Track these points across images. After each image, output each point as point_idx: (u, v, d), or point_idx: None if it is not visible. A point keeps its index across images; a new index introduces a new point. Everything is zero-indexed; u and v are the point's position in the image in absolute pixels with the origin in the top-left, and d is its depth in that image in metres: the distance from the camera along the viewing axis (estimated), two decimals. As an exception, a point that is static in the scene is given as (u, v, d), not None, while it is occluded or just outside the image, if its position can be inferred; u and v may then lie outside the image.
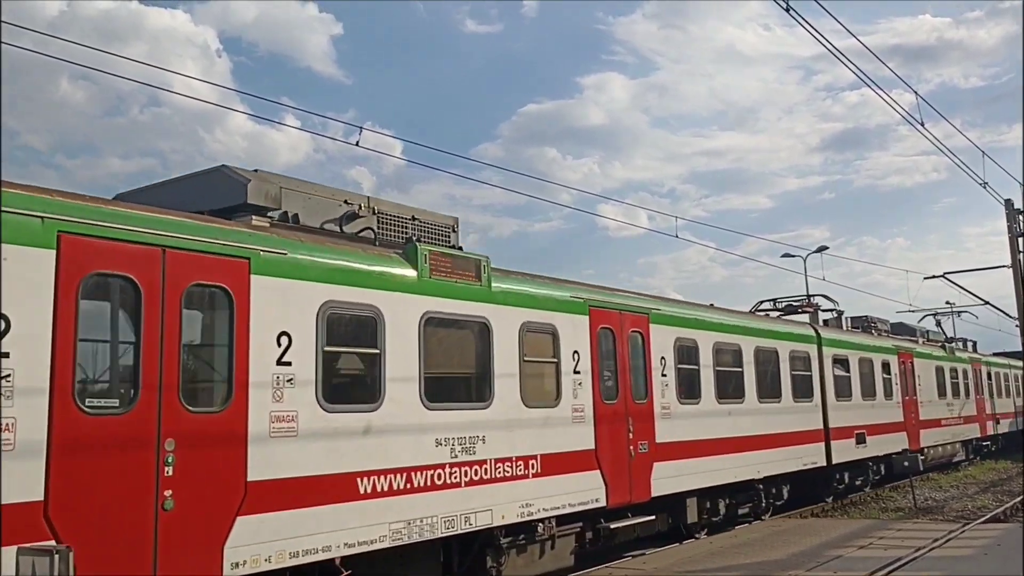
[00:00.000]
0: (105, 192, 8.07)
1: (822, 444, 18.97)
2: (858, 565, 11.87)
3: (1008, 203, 21.96)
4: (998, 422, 34.97)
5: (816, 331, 20.18)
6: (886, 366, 23.13)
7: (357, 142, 11.46)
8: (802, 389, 18.44)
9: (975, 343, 36.47)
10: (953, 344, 31.60)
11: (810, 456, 18.37)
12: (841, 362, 20.57)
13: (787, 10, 11.11)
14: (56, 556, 5.72)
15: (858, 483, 21.87)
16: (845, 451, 19.89)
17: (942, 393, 27.90)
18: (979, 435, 32.16)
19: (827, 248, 40.54)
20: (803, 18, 11.35)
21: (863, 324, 25.34)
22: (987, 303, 33.09)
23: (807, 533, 15.21)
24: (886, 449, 22.29)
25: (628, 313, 13.39)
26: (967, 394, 30.77)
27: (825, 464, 19.03)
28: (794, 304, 22.55)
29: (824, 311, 23.04)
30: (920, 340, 28.19)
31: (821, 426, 19.09)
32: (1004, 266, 26.74)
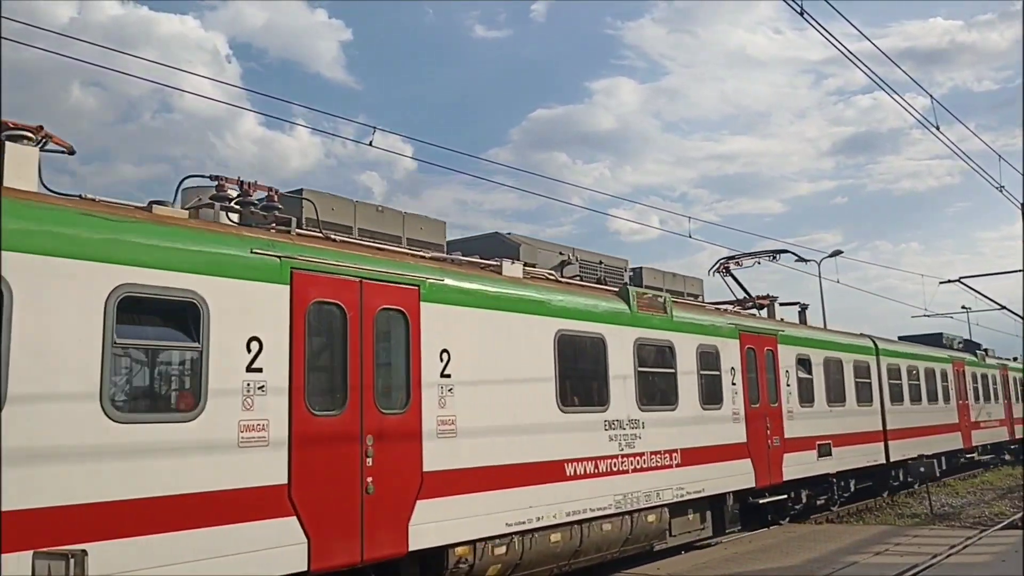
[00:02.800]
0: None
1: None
2: (874, 572, 11.78)
3: (1025, 207, 21.78)
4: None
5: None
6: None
7: (371, 142, 11.54)
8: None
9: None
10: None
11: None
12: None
13: (801, 13, 11.09)
14: (71, 560, 5.73)
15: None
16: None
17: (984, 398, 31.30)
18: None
19: (842, 252, 40.43)
20: (817, 21, 11.31)
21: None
22: (1003, 307, 32.88)
23: (823, 539, 15.11)
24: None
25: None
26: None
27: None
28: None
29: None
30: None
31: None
32: (1019, 271, 26.75)
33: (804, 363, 18.43)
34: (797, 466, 17.29)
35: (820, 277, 37.04)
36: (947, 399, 27.16)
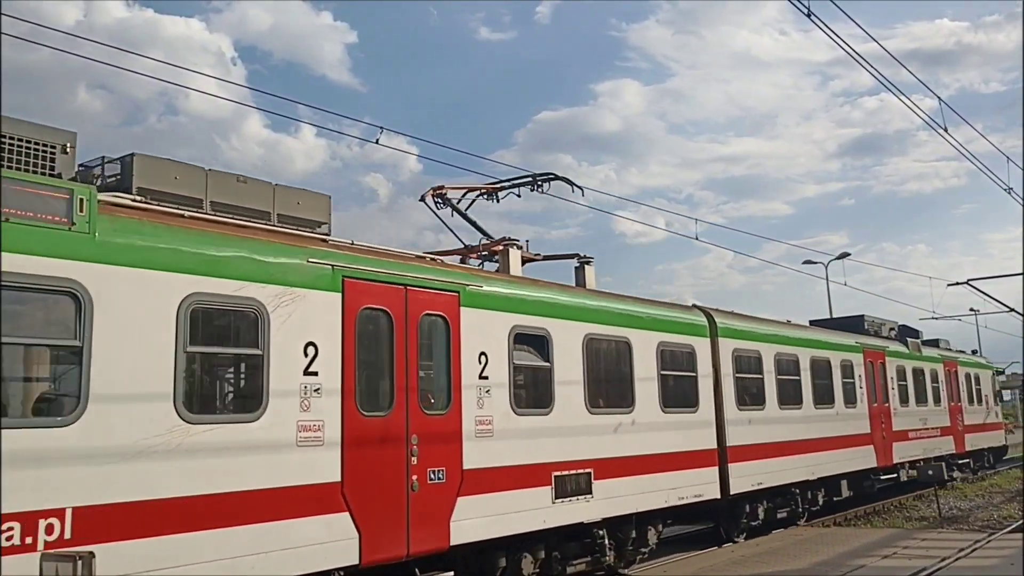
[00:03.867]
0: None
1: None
2: (882, 575, 11.72)
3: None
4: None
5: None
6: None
7: (377, 140, 11.59)
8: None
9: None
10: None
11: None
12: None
13: (808, 15, 11.06)
14: (79, 562, 5.74)
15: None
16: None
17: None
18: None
19: (849, 254, 40.30)
20: (823, 22, 11.29)
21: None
22: (1012, 310, 32.70)
23: (831, 542, 15.06)
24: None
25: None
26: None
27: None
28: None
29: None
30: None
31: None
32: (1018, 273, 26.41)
33: (533, 342, 11.16)
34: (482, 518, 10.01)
35: (827, 280, 36.95)
36: (852, 401, 19.42)
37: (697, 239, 19.34)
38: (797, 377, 17.29)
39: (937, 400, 25.19)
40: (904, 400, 22.66)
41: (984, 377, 31.06)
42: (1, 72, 7.33)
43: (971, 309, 45.53)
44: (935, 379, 25.26)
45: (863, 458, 19.68)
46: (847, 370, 19.56)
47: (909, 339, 25.04)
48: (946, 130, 15.98)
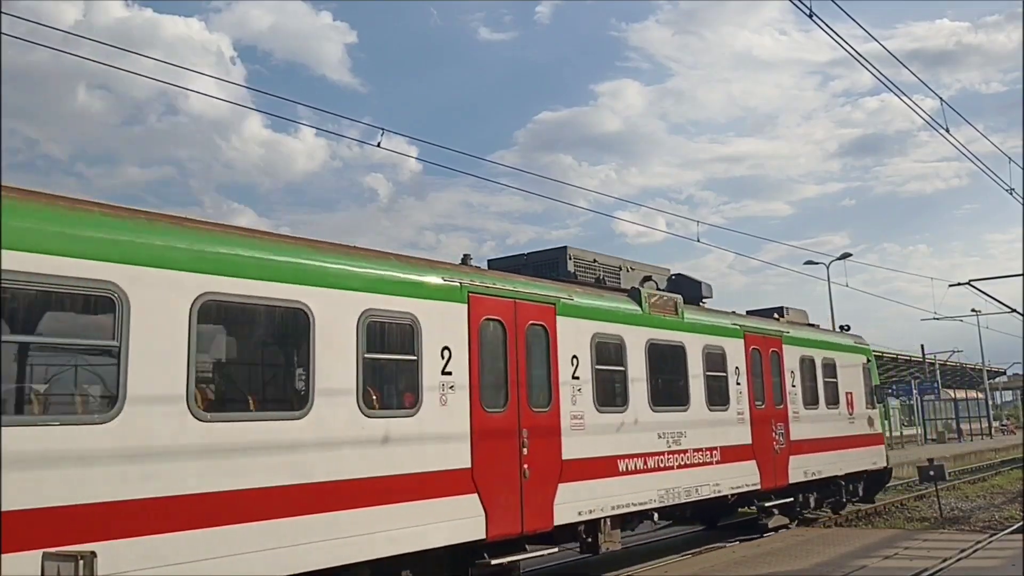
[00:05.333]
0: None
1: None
2: (884, 576, 11.71)
3: (1035, 209, 21.61)
4: None
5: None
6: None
7: (379, 143, 11.60)
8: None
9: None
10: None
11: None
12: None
13: (810, 16, 11.06)
14: (80, 561, 5.73)
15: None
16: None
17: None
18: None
19: (851, 255, 40.16)
20: (825, 23, 11.28)
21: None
22: (1014, 311, 32.66)
23: (831, 543, 15.05)
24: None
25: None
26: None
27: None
28: None
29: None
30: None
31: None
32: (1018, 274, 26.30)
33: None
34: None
35: (829, 281, 36.79)
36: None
37: (699, 241, 19.36)
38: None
39: (722, 399, 14.70)
40: (610, 400, 12.22)
41: (849, 366, 19.62)
42: (1, 73, 7.32)
43: (973, 310, 45.55)
44: (716, 364, 14.69)
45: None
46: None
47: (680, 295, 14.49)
48: (947, 130, 15.99)
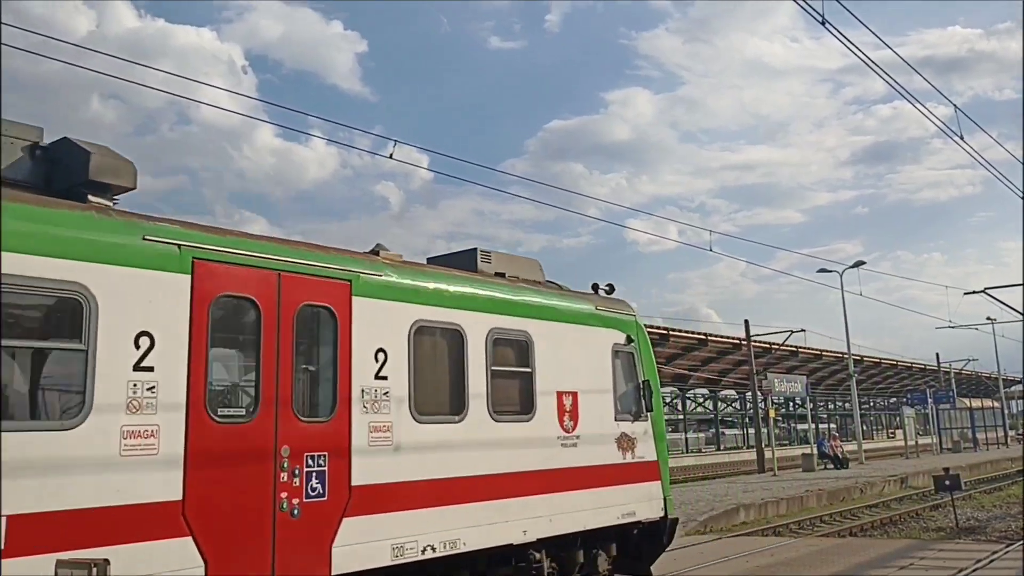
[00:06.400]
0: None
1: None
2: (899, 586, 11.63)
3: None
4: None
5: None
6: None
7: (391, 155, 11.59)
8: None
9: None
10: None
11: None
12: None
13: (823, 23, 11.04)
14: (94, 569, 5.75)
15: None
16: None
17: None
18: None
19: (864, 263, 40.05)
20: (838, 30, 11.27)
21: None
22: (1029, 318, 32.39)
23: (847, 553, 14.96)
24: None
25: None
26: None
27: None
28: None
29: None
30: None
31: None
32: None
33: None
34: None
35: (842, 289, 36.67)
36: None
37: (711, 250, 19.20)
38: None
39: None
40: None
41: (575, 346, 11.22)
42: (1, 74, 7.21)
43: (988, 318, 45.21)
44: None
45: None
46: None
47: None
48: (962, 137, 15.90)
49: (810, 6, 10.92)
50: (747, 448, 66.93)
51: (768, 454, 39.57)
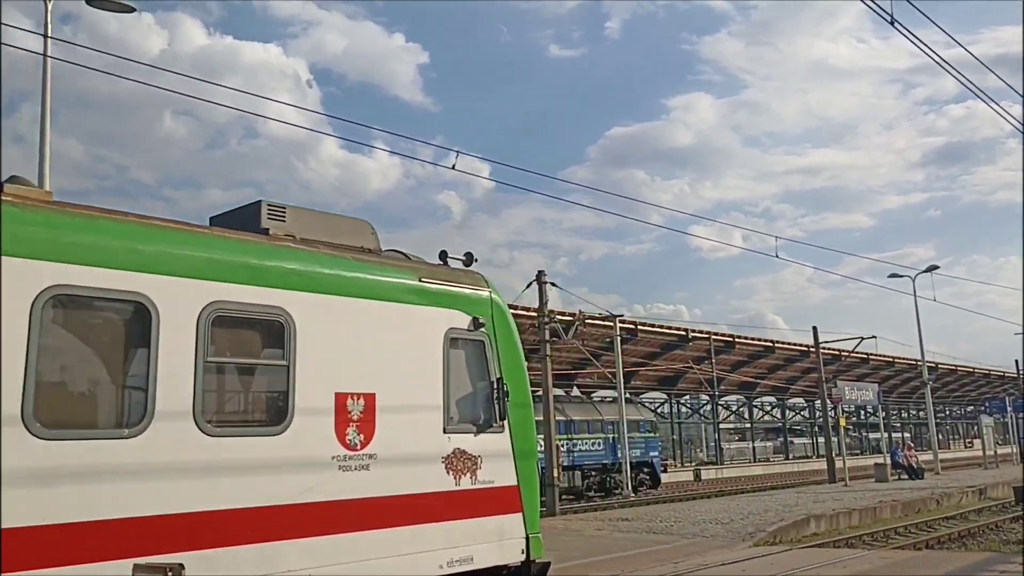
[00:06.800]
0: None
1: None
2: (979, 601, 11.25)
3: None
4: None
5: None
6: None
7: (453, 165, 11.77)
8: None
9: None
10: None
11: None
12: None
13: (891, 22, 10.81)
14: (169, 574, 5.89)
15: None
16: None
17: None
18: None
19: (938, 267, 39.00)
20: (908, 30, 11.02)
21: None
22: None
23: (923, 566, 14.52)
24: None
25: None
26: None
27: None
28: None
29: None
30: None
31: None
32: None
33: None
34: None
35: (915, 295, 35.79)
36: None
37: (777, 256, 18.91)
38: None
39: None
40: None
41: (370, 325, 7.95)
42: (1, 73, 7.14)
43: (1069, 323, 43.48)
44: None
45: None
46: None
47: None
48: (1039, 137, 15.34)
49: (878, 6, 10.70)
50: (817, 457, 65.59)
51: (839, 464, 38.76)
